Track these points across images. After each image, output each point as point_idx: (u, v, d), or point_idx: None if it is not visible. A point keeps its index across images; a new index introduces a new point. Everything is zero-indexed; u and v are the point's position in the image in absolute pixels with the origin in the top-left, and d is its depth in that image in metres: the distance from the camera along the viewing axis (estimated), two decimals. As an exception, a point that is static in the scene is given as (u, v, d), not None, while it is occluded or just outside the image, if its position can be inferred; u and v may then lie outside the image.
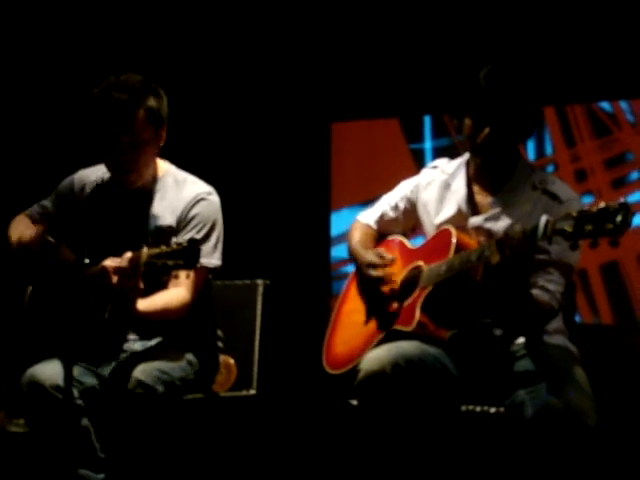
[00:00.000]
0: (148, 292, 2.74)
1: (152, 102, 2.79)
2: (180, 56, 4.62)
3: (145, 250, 2.55)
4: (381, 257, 2.79)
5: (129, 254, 2.59)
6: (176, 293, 2.79)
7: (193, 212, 2.85)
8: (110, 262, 2.60)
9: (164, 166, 2.96)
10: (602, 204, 2.17)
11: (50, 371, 2.68)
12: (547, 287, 2.55)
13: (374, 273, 2.77)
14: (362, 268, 2.83)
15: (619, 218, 2.13)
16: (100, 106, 2.76)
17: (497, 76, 2.60)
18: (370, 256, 2.81)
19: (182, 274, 2.67)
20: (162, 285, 2.80)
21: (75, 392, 2.69)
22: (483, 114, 2.61)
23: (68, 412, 2.66)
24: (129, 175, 2.83)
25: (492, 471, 2.71)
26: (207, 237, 2.84)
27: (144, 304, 2.70)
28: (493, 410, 2.58)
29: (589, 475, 2.37)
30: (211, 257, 2.84)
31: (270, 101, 4.70)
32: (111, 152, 2.80)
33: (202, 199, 2.87)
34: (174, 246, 2.51)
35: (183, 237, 2.76)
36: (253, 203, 4.57)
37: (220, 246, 2.89)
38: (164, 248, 2.52)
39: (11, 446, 3.21)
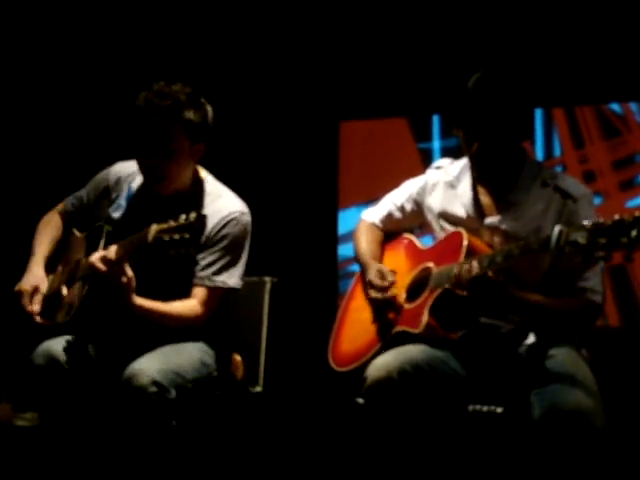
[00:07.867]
0: (155, 273, 2.76)
1: (192, 115, 2.79)
2: (187, 54, 4.63)
3: (154, 226, 2.54)
4: (382, 277, 2.74)
5: (114, 246, 2.63)
6: (189, 304, 2.81)
7: (223, 232, 2.85)
8: (97, 253, 2.65)
9: (202, 174, 2.96)
10: (617, 216, 2.12)
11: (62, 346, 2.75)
12: (582, 286, 2.54)
13: (373, 295, 2.75)
14: (365, 282, 2.82)
15: (634, 233, 2.07)
16: (141, 108, 2.77)
17: (482, 89, 2.56)
18: (372, 274, 2.77)
19: (198, 291, 2.76)
20: (171, 270, 2.80)
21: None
22: (471, 129, 2.59)
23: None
24: (156, 181, 2.83)
25: (498, 472, 2.70)
26: (233, 260, 2.86)
27: (145, 302, 2.72)
28: (500, 410, 2.57)
29: (596, 476, 2.36)
30: (231, 277, 2.85)
31: (279, 99, 4.70)
32: (140, 154, 2.82)
33: (233, 219, 2.87)
34: (182, 221, 2.51)
35: (210, 255, 2.82)
36: (261, 201, 4.53)
37: (243, 268, 2.90)
38: (172, 223, 2.52)
39: (18, 440, 3.22)
